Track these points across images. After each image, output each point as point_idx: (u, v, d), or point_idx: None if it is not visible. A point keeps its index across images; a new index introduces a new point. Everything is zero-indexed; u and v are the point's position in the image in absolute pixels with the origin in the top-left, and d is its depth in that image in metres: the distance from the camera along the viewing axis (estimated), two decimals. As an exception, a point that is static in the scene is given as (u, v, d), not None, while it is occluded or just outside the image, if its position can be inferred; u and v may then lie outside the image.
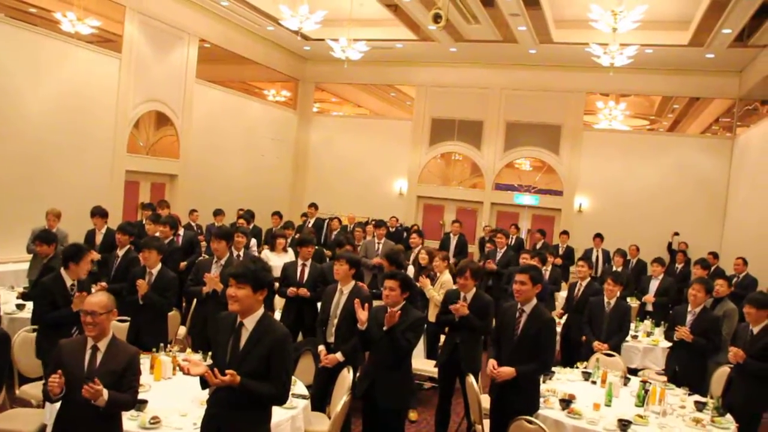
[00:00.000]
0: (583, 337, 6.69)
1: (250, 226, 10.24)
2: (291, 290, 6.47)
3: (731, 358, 5.19)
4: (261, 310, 3.27)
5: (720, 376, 5.72)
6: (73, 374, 3.29)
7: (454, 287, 6.07)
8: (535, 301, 4.58)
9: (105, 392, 3.21)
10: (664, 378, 6.14)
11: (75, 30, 10.03)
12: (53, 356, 3.43)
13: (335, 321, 5.19)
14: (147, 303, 5.66)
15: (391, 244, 9.67)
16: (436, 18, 10.05)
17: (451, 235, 11.20)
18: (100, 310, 3.38)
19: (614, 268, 9.73)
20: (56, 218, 7.94)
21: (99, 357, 3.40)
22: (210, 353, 4.88)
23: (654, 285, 8.86)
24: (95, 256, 7.77)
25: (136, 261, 6.45)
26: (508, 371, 4.40)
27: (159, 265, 5.83)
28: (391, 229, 12.63)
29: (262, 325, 3.24)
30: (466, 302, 5.59)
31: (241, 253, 7.69)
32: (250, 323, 3.23)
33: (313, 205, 12.63)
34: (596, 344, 6.30)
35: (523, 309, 4.56)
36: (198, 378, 3.26)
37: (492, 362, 4.52)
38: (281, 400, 3.36)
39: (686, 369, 5.84)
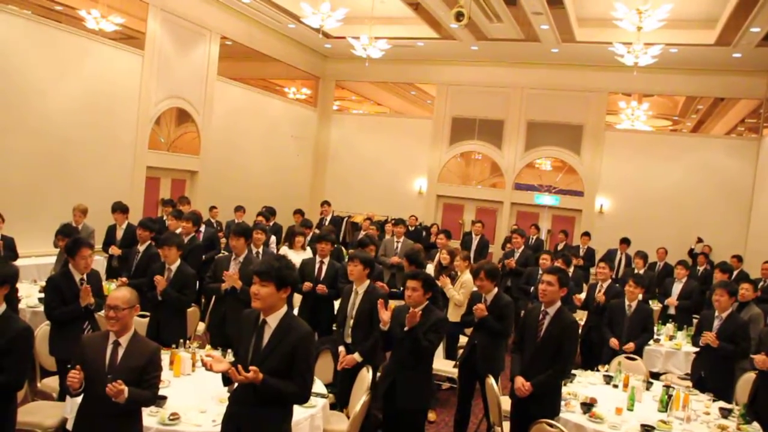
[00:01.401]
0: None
1: (270, 223, 10.27)
2: (307, 285, 6.39)
3: (758, 364, 5.06)
4: (284, 308, 3.25)
5: (745, 382, 5.59)
6: (95, 369, 3.30)
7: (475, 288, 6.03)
8: (559, 303, 4.52)
9: (126, 390, 3.21)
10: (687, 383, 6.03)
11: (99, 27, 10.14)
12: (76, 352, 3.43)
13: (351, 322, 5.18)
14: (166, 299, 5.68)
15: (410, 243, 9.62)
16: (458, 16, 9.97)
17: (473, 235, 11.13)
18: (122, 305, 3.38)
19: (635, 271, 9.60)
20: (82, 214, 8.05)
21: (120, 352, 3.40)
22: (229, 350, 4.91)
23: (677, 288, 8.73)
24: (116, 251, 7.85)
25: (157, 257, 6.48)
26: (527, 388, 4.39)
27: (178, 261, 5.85)
28: (410, 227, 12.59)
29: (285, 323, 3.22)
30: (486, 303, 5.55)
31: (260, 251, 7.71)
32: (273, 321, 3.21)
33: (326, 203, 12.60)
34: (613, 341, 6.26)
35: (547, 311, 4.51)
36: (219, 375, 3.26)
37: (519, 380, 4.47)
38: (303, 399, 3.33)
39: (712, 374, 5.73)
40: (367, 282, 5.24)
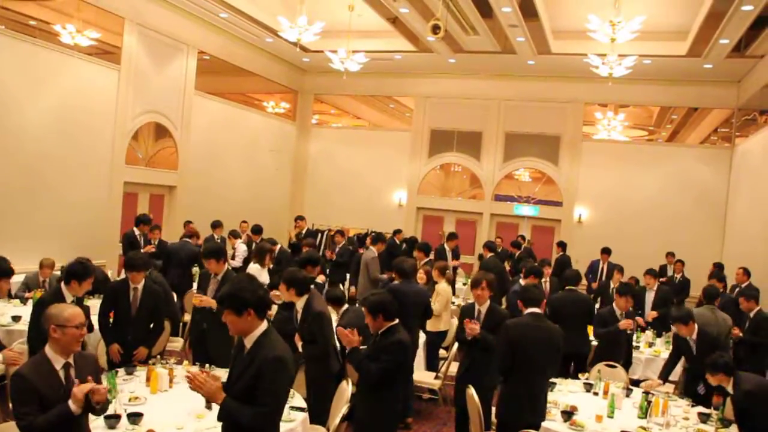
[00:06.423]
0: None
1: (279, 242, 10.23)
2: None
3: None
4: (261, 328, 3.11)
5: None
6: (54, 396, 3.19)
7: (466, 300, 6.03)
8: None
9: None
10: (667, 388, 6.07)
11: (74, 42, 10.07)
12: (24, 388, 3.15)
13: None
14: (142, 322, 5.54)
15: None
16: (435, 29, 10.05)
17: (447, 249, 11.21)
18: (83, 321, 3.33)
19: (611, 286, 9.34)
20: (49, 269, 7.74)
21: (73, 372, 3.31)
22: (208, 365, 4.87)
23: (650, 297, 8.72)
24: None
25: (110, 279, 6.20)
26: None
27: (143, 281, 5.61)
28: (397, 242, 12.53)
29: (257, 345, 3.09)
30: (480, 315, 5.42)
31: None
32: (249, 342, 3.12)
33: (301, 218, 12.50)
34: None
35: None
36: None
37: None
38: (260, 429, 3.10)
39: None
40: (304, 297, 5.21)
